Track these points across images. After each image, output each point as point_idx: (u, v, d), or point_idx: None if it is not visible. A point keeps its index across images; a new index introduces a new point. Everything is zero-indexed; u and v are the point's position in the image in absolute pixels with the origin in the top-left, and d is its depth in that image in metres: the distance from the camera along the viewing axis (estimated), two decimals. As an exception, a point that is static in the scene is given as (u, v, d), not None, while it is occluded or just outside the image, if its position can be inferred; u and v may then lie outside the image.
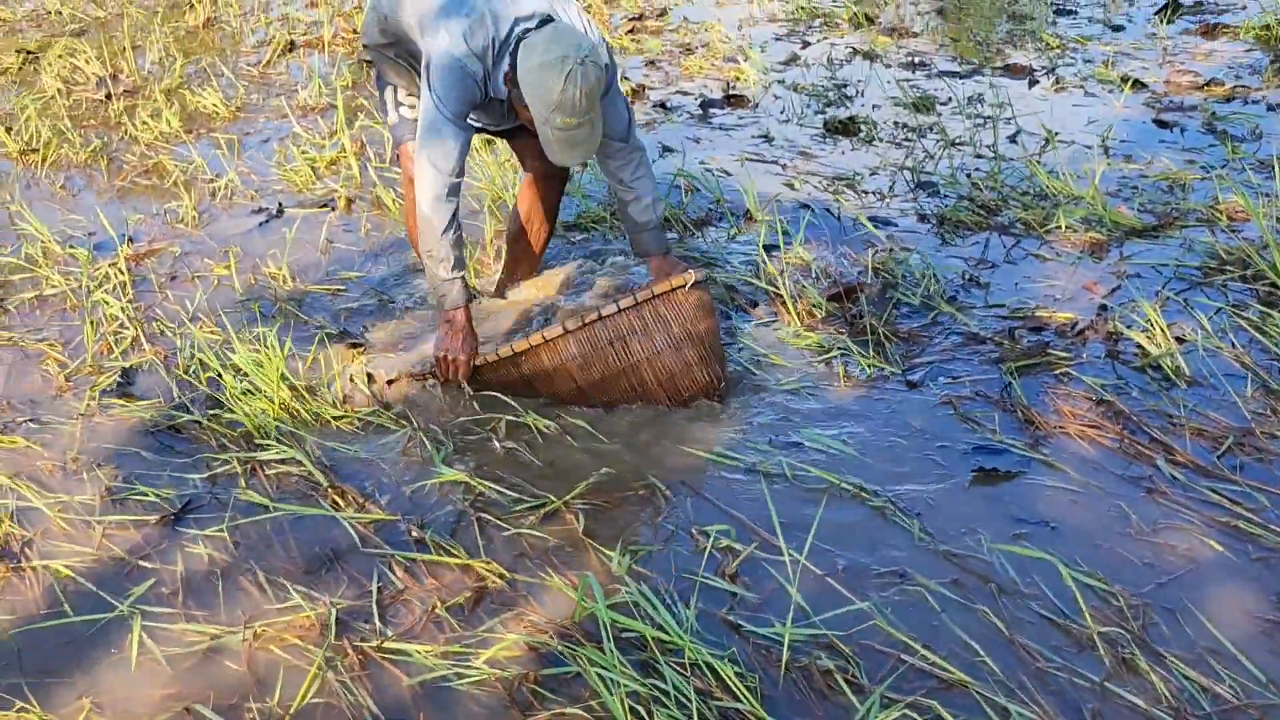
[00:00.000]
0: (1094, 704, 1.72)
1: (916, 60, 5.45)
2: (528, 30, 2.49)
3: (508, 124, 2.77)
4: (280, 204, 4.06)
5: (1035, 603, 1.93)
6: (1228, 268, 2.97)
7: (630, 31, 6.54)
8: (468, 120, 2.60)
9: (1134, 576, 1.97)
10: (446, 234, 2.57)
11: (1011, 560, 2.02)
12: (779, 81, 5.30)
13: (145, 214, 4.08)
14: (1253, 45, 5.12)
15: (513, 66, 2.48)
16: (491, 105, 2.65)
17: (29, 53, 6.78)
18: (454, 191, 2.58)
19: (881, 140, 4.36)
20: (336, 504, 2.31)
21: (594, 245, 3.55)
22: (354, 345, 3.00)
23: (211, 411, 2.68)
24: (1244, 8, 5.75)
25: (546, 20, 2.52)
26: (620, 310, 2.51)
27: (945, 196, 3.70)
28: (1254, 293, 2.83)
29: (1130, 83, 4.70)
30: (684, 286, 2.52)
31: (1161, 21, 5.62)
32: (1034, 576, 1.98)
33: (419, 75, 2.70)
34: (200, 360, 2.86)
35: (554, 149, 2.48)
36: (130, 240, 3.81)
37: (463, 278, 2.64)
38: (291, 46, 6.71)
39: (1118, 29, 5.68)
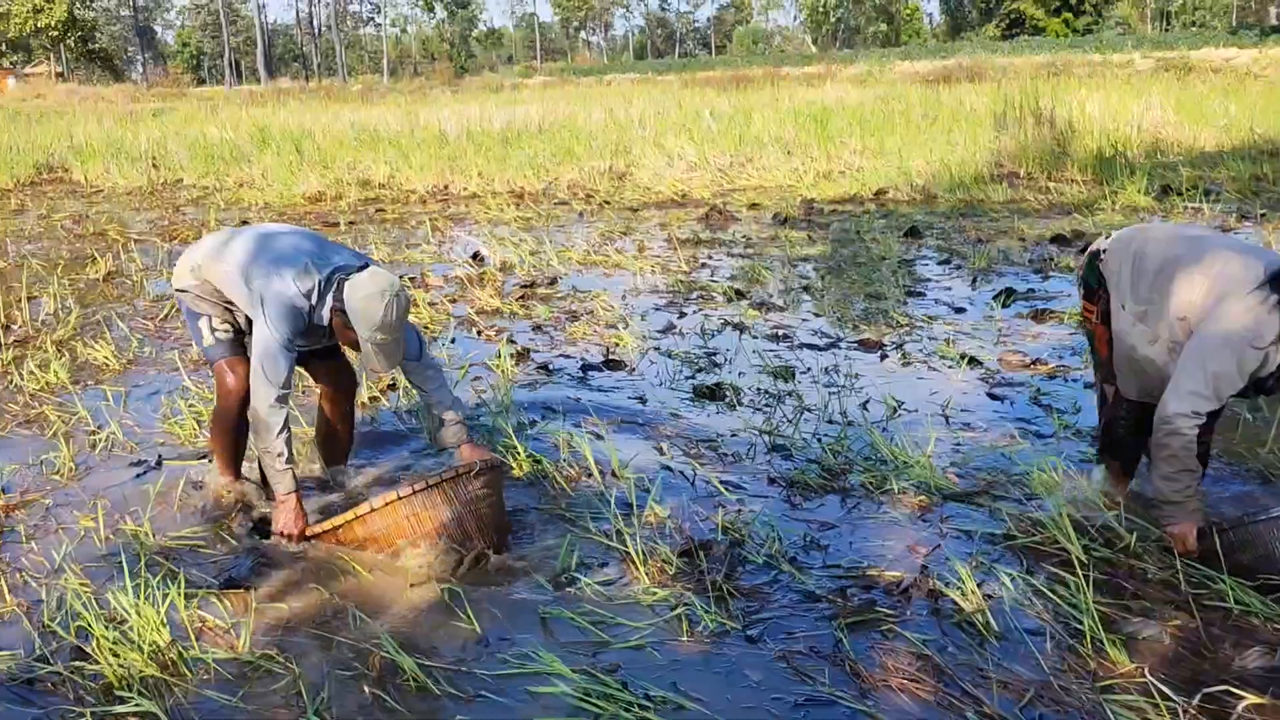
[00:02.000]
0: None
1: (781, 332, 5.92)
2: (349, 273, 3.29)
3: (324, 344, 3.54)
4: (160, 456, 4.16)
5: None
6: (1027, 534, 3.26)
7: (521, 298, 6.98)
8: (296, 345, 3.32)
9: (941, 824, 2.10)
10: (280, 435, 3.28)
11: (830, 810, 2.14)
12: (656, 348, 5.69)
13: (21, 464, 4.14)
14: (1075, 329, 5.72)
15: (337, 300, 3.26)
16: (314, 330, 3.38)
17: (-76, 300, 6.88)
18: (283, 400, 3.29)
19: (744, 405, 4.69)
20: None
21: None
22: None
23: (75, 663, 2.70)
24: (1069, 296, 6.43)
25: (365, 265, 3.35)
26: (414, 492, 3.16)
27: (796, 460, 4.00)
28: (1048, 558, 3.13)
29: (968, 359, 5.19)
30: (469, 473, 3.23)
31: (998, 306, 6.25)
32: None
33: (228, 309, 3.52)
34: (70, 610, 2.90)
35: (374, 359, 3.26)
36: (2, 491, 3.85)
37: (292, 469, 3.31)
38: (191, 302, 6.94)
39: (960, 311, 6.28)
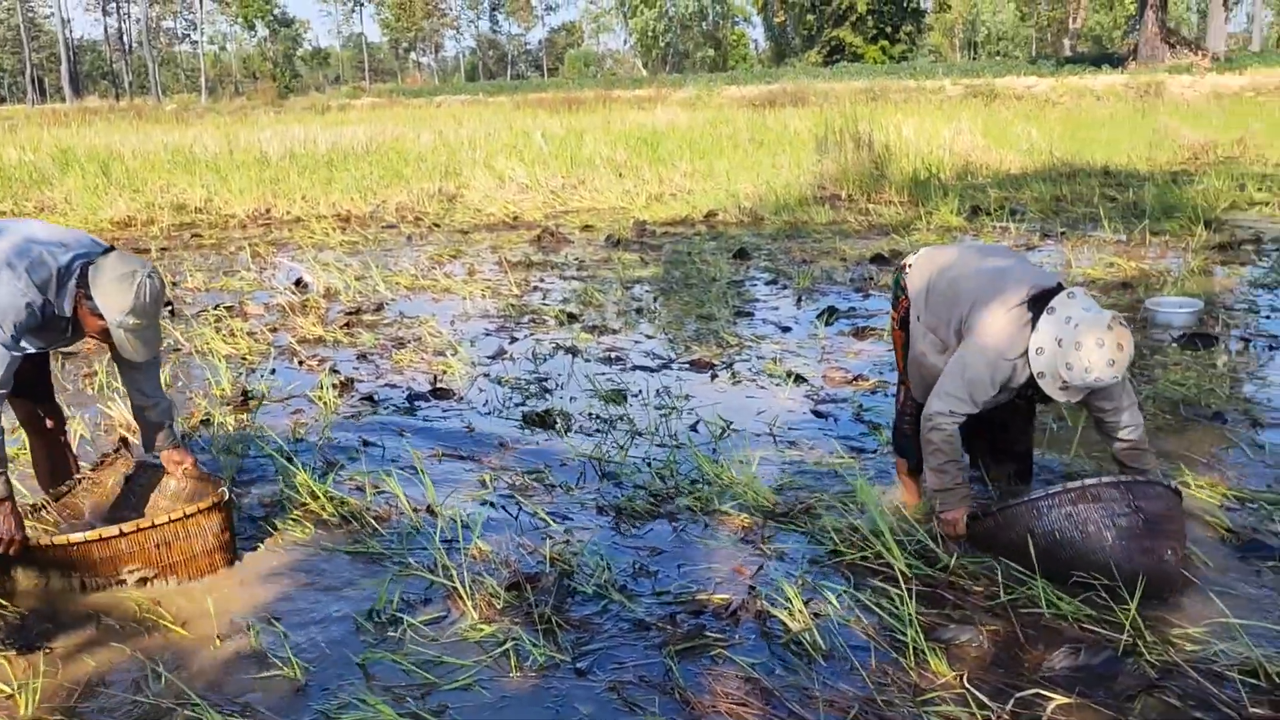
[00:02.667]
0: None
1: (614, 355, 5.90)
2: (92, 259, 3.10)
3: (64, 342, 3.30)
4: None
5: None
6: (851, 549, 3.33)
7: (346, 326, 6.76)
8: (20, 345, 3.07)
9: None
10: None
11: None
12: (485, 375, 5.59)
13: None
14: (893, 346, 5.90)
15: (81, 285, 3.06)
16: (53, 324, 3.14)
17: None
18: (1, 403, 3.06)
19: (574, 432, 4.65)
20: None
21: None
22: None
23: None
24: (889, 313, 6.65)
25: (110, 249, 3.19)
26: (171, 521, 3.18)
27: (625, 486, 3.97)
28: (873, 573, 3.20)
29: (794, 377, 5.29)
30: (221, 503, 3.25)
31: (821, 324, 6.41)
32: None
33: None
34: None
35: (127, 347, 3.12)
36: None
37: (6, 474, 3.08)
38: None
39: (786, 330, 6.42)
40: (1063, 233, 9.50)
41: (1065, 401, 3.11)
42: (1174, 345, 5.66)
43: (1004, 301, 3.18)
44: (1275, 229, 9.23)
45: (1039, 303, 3.11)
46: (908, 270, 3.62)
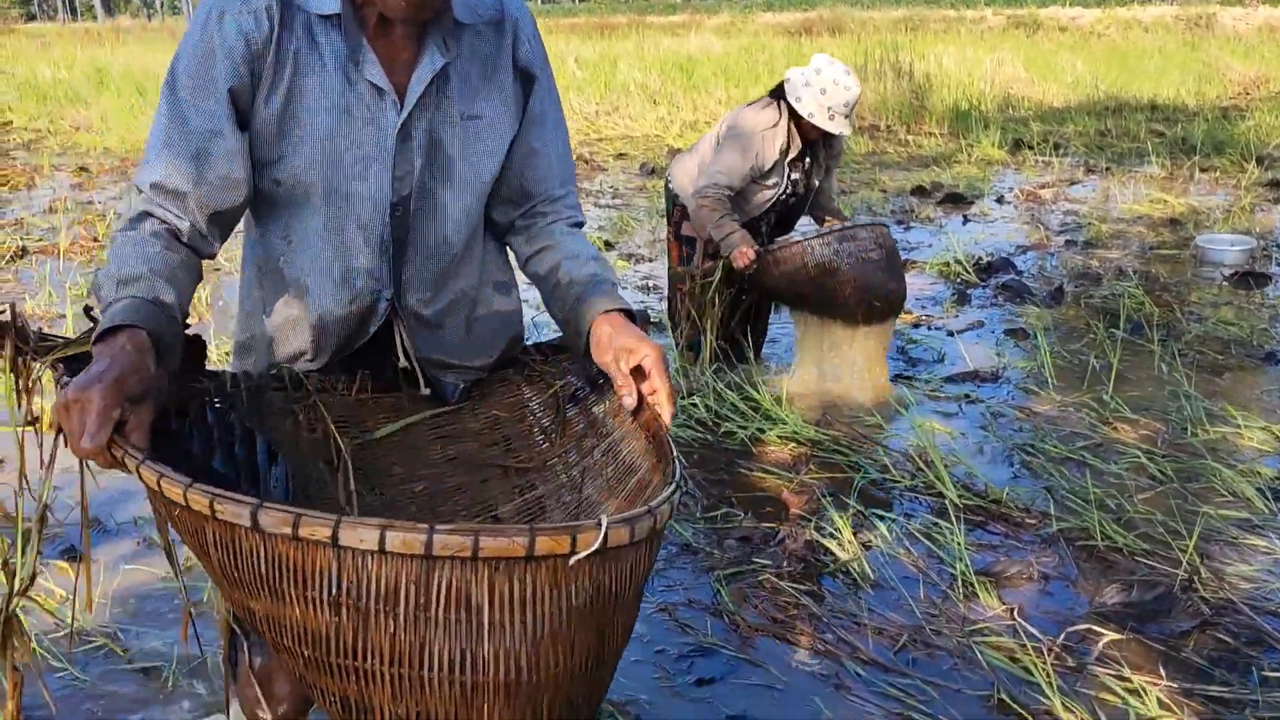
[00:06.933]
0: None
1: (651, 284, 5.88)
2: None
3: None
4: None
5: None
6: (903, 478, 3.32)
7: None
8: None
9: (823, 772, 2.11)
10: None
11: (714, 763, 2.13)
12: (525, 302, 5.55)
13: None
14: (935, 279, 5.85)
15: None
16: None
17: None
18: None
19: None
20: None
21: None
22: None
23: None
24: (930, 245, 6.58)
25: None
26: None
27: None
28: (928, 504, 3.19)
29: (836, 309, 5.24)
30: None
31: (863, 255, 6.33)
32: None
33: None
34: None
35: None
36: None
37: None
38: (23, 252, 6.50)
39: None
40: (1108, 168, 9.32)
41: (840, 134, 3.82)
42: (1225, 284, 5.57)
43: (747, 107, 3.97)
44: (1328, 167, 9.01)
45: (776, 91, 3.90)
46: (670, 183, 4.24)
